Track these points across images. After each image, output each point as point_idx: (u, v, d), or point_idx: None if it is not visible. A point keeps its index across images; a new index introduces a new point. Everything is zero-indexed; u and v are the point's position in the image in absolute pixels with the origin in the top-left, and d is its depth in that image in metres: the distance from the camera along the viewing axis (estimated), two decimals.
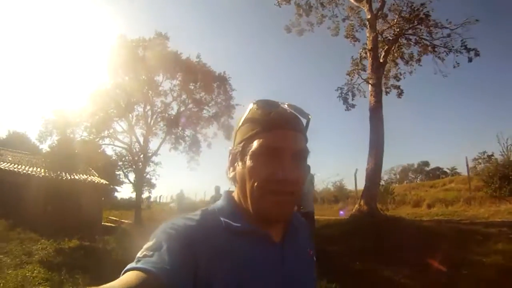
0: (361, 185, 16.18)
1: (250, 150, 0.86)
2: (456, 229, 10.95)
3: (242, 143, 0.89)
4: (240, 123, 0.92)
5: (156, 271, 0.68)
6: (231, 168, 0.94)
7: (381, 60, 14.27)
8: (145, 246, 0.77)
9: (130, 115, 22.82)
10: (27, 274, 7.28)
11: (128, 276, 0.68)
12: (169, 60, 21.48)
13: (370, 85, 14.00)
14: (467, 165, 18.88)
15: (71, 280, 6.99)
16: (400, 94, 16.94)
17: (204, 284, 0.73)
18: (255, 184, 0.84)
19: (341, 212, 18.78)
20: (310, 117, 0.94)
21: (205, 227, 0.82)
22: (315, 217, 10.02)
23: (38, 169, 17.90)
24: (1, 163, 17.60)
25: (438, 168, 45.28)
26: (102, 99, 20.75)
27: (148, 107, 23.52)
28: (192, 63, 22.99)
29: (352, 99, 15.00)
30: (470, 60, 14.36)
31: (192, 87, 23.43)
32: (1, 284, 6.46)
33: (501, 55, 60.88)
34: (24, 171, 17.35)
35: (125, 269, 0.71)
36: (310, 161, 0.93)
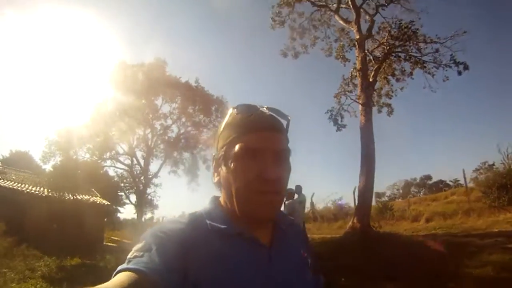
0: None
1: (233, 154, 0.89)
2: (450, 242, 10.89)
3: (224, 148, 0.92)
4: (221, 129, 0.96)
5: (148, 271, 0.70)
6: (215, 174, 0.98)
7: (370, 79, 14.68)
8: (134, 248, 0.79)
9: (131, 137, 23.67)
10: None
11: (120, 277, 0.70)
12: (168, 84, 22.41)
13: (360, 105, 14.42)
14: (464, 177, 19.02)
15: None
16: (390, 112, 17.51)
17: (192, 286, 0.75)
18: (240, 186, 0.87)
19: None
20: (289, 118, 0.99)
21: (193, 230, 0.84)
22: (311, 235, 10.34)
23: (41, 189, 18.35)
24: (5, 181, 18.03)
25: (441, 181, 45.64)
26: (104, 122, 21.51)
27: (148, 130, 24.48)
28: (191, 86, 23.99)
29: (341, 120, 15.56)
30: (459, 73, 14.85)
31: (191, 110, 24.41)
32: None
33: (500, 63, 61.43)
34: (28, 190, 17.77)
35: (116, 270, 0.74)
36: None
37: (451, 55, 14.82)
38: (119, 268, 0.74)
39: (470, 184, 18.78)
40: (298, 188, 10.14)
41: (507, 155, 21.33)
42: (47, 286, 8.15)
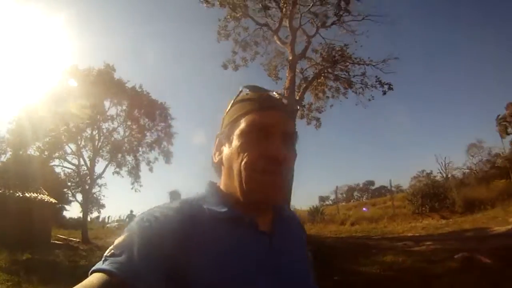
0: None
1: (238, 129, 0.91)
2: (357, 244, 13.06)
3: (229, 125, 0.95)
4: (229, 107, 0.98)
5: (121, 274, 0.68)
6: (217, 153, 0.99)
7: (297, 98, 16.58)
8: (115, 242, 0.77)
9: (79, 137, 25.51)
10: None
11: (91, 280, 0.69)
12: (116, 88, 24.54)
13: None
14: (391, 186, 22.74)
15: (28, 281, 8.94)
16: (318, 125, 20.03)
17: (186, 276, 0.74)
18: (244, 162, 0.87)
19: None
20: (297, 107, 1.14)
21: (185, 216, 0.83)
22: None
23: None
24: None
25: (382, 187, 49.16)
26: (53, 122, 23.10)
27: (96, 131, 26.30)
28: (136, 91, 26.16)
29: None
30: (384, 93, 16.92)
31: (137, 114, 26.52)
32: None
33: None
34: None
35: (91, 269, 0.72)
36: None
37: (377, 76, 16.88)
38: (94, 267, 0.72)
39: (410, 190, 21.24)
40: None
41: (445, 165, 24.57)
42: (4, 275, 9.55)
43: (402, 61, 17.54)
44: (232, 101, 0.98)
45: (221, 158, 0.96)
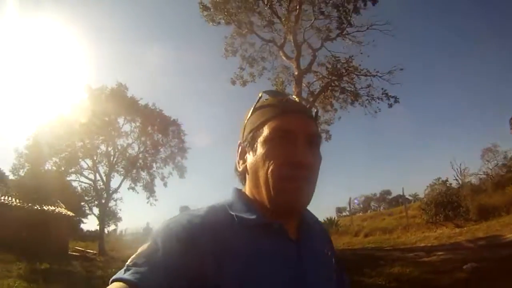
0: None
1: (262, 136, 0.90)
2: (367, 255, 13.07)
3: (252, 133, 0.93)
4: (249, 114, 0.97)
5: (143, 285, 0.68)
6: (241, 162, 0.99)
7: None
8: (139, 250, 0.78)
9: (94, 153, 26.53)
10: (10, 284, 9.60)
11: None
12: (129, 106, 25.46)
13: None
14: (403, 195, 23.00)
15: None
16: (328, 138, 20.39)
17: (214, 285, 0.73)
18: (269, 169, 0.86)
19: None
20: (316, 109, 1.07)
21: (212, 223, 0.82)
22: None
23: (10, 198, 19.90)
24: None
25: (399, 196, 48.58)
26: (69, 138, 24.25)
27: (111, 148, 27.31)
28: (149, 109, 27.12)
29: None
30: (390, 106, 17.00)
31: (150, 130, 27.45)
32: None
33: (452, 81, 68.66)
34: None
35: (112, 278, 0.73)
36: None
37: (383, 89, 16.90)
38: (114, 276, 0.73)
39: (424, 199, 21.25)
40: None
41: (460, 171, 24.21)
42: (25, 283, 9.86)
43: (413, 70, 17.30)
44: (252, 108, 0.98)
45: (246, 166, 0.96)
